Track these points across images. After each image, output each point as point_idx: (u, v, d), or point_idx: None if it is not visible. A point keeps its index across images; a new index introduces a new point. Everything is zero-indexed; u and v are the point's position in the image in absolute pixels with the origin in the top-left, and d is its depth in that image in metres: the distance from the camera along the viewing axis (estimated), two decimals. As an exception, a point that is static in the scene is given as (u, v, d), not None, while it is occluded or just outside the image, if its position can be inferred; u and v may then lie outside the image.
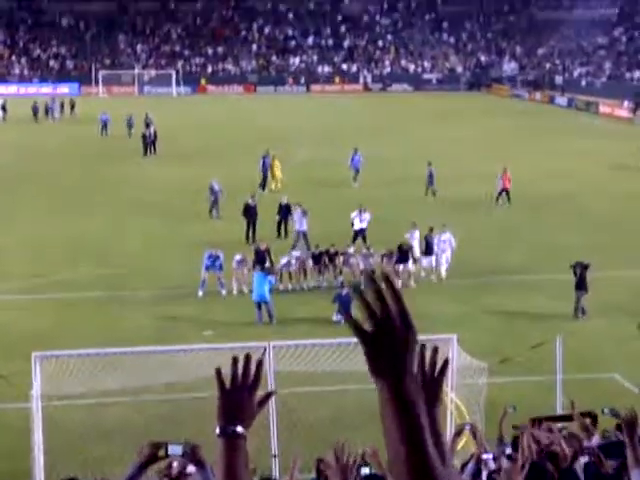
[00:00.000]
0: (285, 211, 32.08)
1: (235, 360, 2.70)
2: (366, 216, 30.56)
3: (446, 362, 2.54)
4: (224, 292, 25.95)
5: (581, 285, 24.26)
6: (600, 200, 38.94)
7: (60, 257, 29.81)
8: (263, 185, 40.36)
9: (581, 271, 24.30)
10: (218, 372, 2.69)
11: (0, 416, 17.97)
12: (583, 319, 23.94)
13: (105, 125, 59.63)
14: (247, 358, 2.72)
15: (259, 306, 23.78)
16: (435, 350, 2.50)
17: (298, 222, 30.88)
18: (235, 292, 26.09)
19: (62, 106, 70.47)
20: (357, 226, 30.44)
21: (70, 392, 15.73)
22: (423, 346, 2.35)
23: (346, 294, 23.59)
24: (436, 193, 38.88)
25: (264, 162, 41.02)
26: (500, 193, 37.68)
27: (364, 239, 29.86)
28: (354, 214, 30.74)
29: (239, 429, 2.66)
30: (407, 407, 2.07)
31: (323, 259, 26.85)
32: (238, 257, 26.20)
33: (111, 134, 58.55)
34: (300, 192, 36.30)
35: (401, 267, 26.95)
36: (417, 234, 28.05)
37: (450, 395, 15.73)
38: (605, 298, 25.04)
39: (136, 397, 17.12)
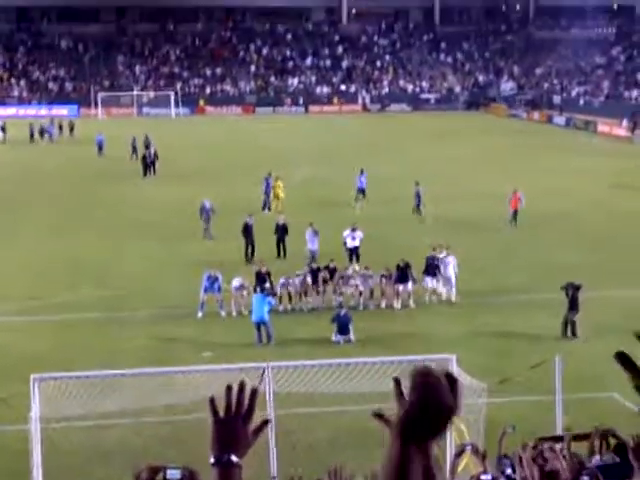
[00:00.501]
0: (282, 231, 32.17)
1: (229, 389, 2.66)
2: (358, 234, 30.74)
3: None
4: (223, 313, 25.92)
5: (573, 306, 24.12)
6: (598, 218, 39.00)
7: (59, 278, 29.80)
8: (265, 206, 40.40)
9: (573, 292, 24.15)
10: (212, 401, 2.66)
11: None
12: (574, 341, 23.79)
13: (100, 146, 59.95)
14: (241, 386, 2.68)
15: (258, 327, 23.75)
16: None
17: (310, 241, 30.97)
18: (234, 314, 26.06)
19: (60, 127, 71.15)
20: (350, 244, 30.62)
21: (69, 414, 15.72)
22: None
23: (344, 314, 23.60)
24: (422, 212, 39.00)
25: (267, 183, 41.10)
26: (514, 214, 37.32)
27: (357, 257, 29.93)
28: (346, 233, 30.94)
29: (234, 458, 2.62)
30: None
31: (322, 275, 26.83)
32: (236, 283, 26.10)
33: (109, 155, 58.61)
34: (299, 211, 36.46)
35: (401, 287, 26.91)
36: (445, 256, 27.79)
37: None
38: (604, 317, 25.01)
39: (135, 419, 17.08)
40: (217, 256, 30.64)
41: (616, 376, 21.45)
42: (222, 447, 2.63)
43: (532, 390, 18.90)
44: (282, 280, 26.62)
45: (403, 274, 26.79)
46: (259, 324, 23.77)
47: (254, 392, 2.68)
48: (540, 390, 18.26)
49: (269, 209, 40.20)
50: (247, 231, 32.09)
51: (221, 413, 2.65)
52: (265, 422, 2.76)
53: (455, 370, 15.52)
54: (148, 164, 51.54)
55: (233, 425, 2.64)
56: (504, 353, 22.86)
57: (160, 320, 25.64)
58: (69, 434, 16.71)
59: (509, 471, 9.32)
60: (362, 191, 42.05)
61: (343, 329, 23.72)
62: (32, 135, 67.97)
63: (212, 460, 2.63)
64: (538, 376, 18.27)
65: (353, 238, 30.71)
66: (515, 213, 37.15)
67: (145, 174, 51.36)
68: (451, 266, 27.45)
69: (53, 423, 15.74)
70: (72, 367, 19.13)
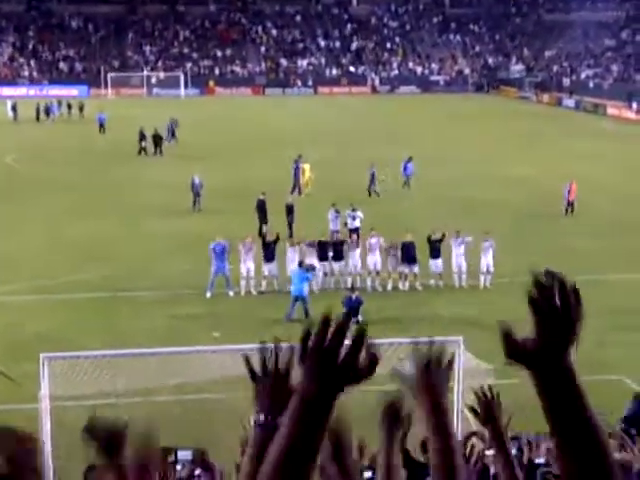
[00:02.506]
0: (288, 211, 32.69)
1: (263, 349, 2.57)
2: (358, 214, 30.70)
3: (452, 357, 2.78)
4: (231, 293, 26.00)
5: None
6: (610, 202, 38.89)
7: (67, 258, 29.88)
8: (294, 189, 40.00)
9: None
10: (247, 360, 2.59)
11: (8, 417, 18.00)
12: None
13: (102, 124, 60.42)
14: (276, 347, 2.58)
15: (294, 302, 23.91)
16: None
17: (332, 222, 30.97)
18: (242, 293, 26.13)
19: (70, 107, 71.75)
20: (350, 225, 30.57)
21: (78, 393, 15.79)
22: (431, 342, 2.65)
23: (356, 298, 23.60)
24: (379, 194, 39.48)
25: (297, 166, 40.87)
26: (568, 205, 36.81)
27: (358, 238, 29.65)
28: (346, 212, 30.96)
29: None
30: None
31: (328, 248, 26.83)
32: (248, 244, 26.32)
33: (115, 136, 58.53)
34: (315, 193, 36.57)
35: (407, 269, 26.86)
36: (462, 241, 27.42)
37: (458, 401, 15.76)
38: (614, 300, 25.02)
39: (144, 398, 17.16)
40: (225, 233, 30.58)
41: (625, 360, 21.53)
42: (266, 409, 2.57)
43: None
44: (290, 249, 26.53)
45: (409, 254, 26.67)
46: (296, 299, 23.99)
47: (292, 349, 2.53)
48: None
49: (299, 192, 39.89)
50: (261, 208, 32.50)
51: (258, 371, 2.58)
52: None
53: (462, 351, 15.57)
54: (158, 142, 51.72)
55: (275, 384, 2.55)
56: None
57: (169, 300, 25.72)
58: (78, 413, 16.78)
59: (514, 452, 9.38)
60: (408, 178, 41.78)
61: (353, 313, 23.76)
62: (38, 114, 69.25)
63: (261, 419, 2.57)
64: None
65: (353, 218, 30.69)
66: (571, 203, 36.66)
67: (156, 152, 51.65)
68: (490, 251, 27.13)
69: (62, 402, 15.82)
70: (81, 346, 19.24)
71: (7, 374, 18.14)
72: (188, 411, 17.14)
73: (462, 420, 15.71)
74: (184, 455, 11.64)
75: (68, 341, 21.04)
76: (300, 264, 25.04)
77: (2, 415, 17.98)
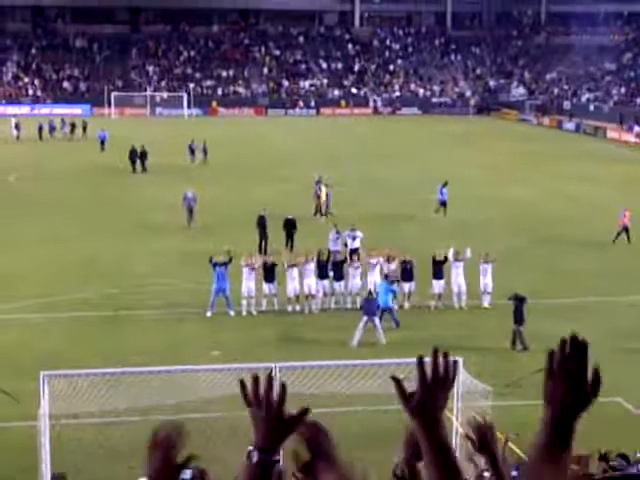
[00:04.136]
0: (290, 226, 33.08)
1: (255, 379, 2.52)
2: (358, 234, 30.72)
3: (455, 363, 2.68)
4: (232, 313, 26.09)
5: (517, 318, 23.62)
6: (609, 224, 39.00)
7: (69, 277, 29.98)
8: (318, 211, 39.82)
9: (517, 304, 23.68)
10: (242, 385, 2.51)
11: (8, 434, 18.09)
12: (523, 353, 23.10)
13: (103, 142, 60.98)
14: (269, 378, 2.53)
15: (382, 315, 24.50)
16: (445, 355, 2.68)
17: (333, 242, 30.88)
18: (244, 312, 26.21)
19: (73, 126, 71.92)
20: (350, 245, 30.47)
21: (78, 411, 15.86)
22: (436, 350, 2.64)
23: (372, 300, 24.04)
24: (329, 215, 39.03)
25: (318, 187, 40.60)
26: (620, 232, 35.84)
27: (358, 258, 29.59)
28: (346, 233, 30.98)
29: (275, 458, 2.50)
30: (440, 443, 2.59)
31: (327, 268, 26.89)
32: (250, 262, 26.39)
33: (114, 154, 58.69)
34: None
35: (406, 287, 26.90)
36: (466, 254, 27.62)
37: (455, 422, 15.82)
38: (612, 322, 25.10)
39: (143, 416, 17.22)
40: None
41: (622, 381, 21.59)
42: (261, 443, 2.49)
43: (538, 394, 18.94)
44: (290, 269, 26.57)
45: (408, 274, 26.78)
46: (384, 311, 24.62)
47: (283, 386, 2.53)
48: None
49: (321, 214, 39.68)
50: (261, 224, 33.03)
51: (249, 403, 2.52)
52: (305, 410, 2.57)
53: (461, 372, 15.64)
54: (135, 160, 52.74)
55: (268, 416, 2.49)
56: (511, 356, 22.94)
57: (169, 318, 25.81)
58: (77, 431, 16.87)
59: (514, 473, 9.45)
60: (443, 203, 41.00)
61: (372, 313, 24.02)
62: (41, 133, 69.65)
63: (255, 458, 2.49)
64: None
65: (353, 239, 30.64)
66: (625, 230, 35.74)
67: (133, 170, 52.70)
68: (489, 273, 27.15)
69: (62, 420, 15.89)
70: (81, 364, 19.33)
71: (7, 391, 18.21)
72: (188, 430, 17.15)
73: (459, 440, 15.78)
74: (184, 475, 11.69)
75: (69, 359, 21.11)
76: (386, 277, 25.85)
77: (1, 432, 18.07)
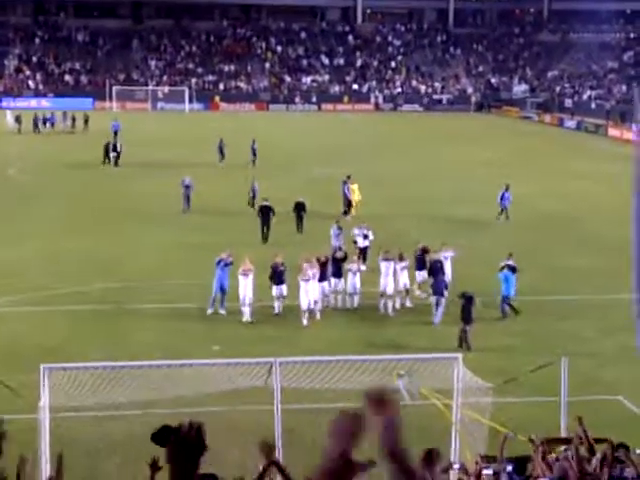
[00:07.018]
0: (300, 209, 35.11)
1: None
2: (369, 234, 30.47)
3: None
4: (223, 312, 25.59)
5: (464, 317, 23.08)
6: (609, 223, 38.99)
7: (69, 270, 29.98)
8: (346, 211, 39.17)
9: (464, 303, 23.16)
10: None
11: (7, 427, 18.06)
12: (467, 353, 21.99)
13: (116, 133, 60.46)
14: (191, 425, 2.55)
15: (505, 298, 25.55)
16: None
17: (335, 238, 30.67)
18: (249, 319, 25.64)
19: (74, 120, 72.08)
20: (360, 244, 30.13)
21: (78, 404, 15.84)
22: None
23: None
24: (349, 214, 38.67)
25: (346, 187, 39.82)
26: None
27: (364, 258, 29.30)
28: (356, 231, 30.70)
29: None
30: None
31: (328, 267, 26.53)
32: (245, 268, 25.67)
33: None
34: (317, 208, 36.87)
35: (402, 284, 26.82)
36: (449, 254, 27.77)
37: (456, 417, 15.82)
38: (612, 321, 25.08)
39: (143, 410, 17.23)
40: (227, 247, 30.66)
41: (623, 380, 21.56)
42: None
43: (538, 391, 18.98)
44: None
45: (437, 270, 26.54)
46: (505, 297, 25.60)
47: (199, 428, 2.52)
48: (546, 391, 18.31)
49: (346, 214, 38.66)
50: (263, 213, 34.20)
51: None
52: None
53: (460, 369, 15.64)
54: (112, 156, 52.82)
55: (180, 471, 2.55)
56: (511, 353, 22.92)
57: (170, 313, 25.80)
58: (77, 424, 16.87)
59: (510, 468, 9.48)
60: (505, 207, 40.04)
61: None
62: (36, 125, 69.97)
63: None
64: (545, 377, 18.31)
65: (365, 237, 30.24)
66: None
67: (104, 162, 52.98)
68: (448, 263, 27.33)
69: (62, 413, 15.88)
70: (82, 358, 19.32)
71: (6, 384, 18.20)
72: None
73: (458, 441, 15.80)
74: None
75: (69, 352, 21.13)
76: (502, 268, 26.18)
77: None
